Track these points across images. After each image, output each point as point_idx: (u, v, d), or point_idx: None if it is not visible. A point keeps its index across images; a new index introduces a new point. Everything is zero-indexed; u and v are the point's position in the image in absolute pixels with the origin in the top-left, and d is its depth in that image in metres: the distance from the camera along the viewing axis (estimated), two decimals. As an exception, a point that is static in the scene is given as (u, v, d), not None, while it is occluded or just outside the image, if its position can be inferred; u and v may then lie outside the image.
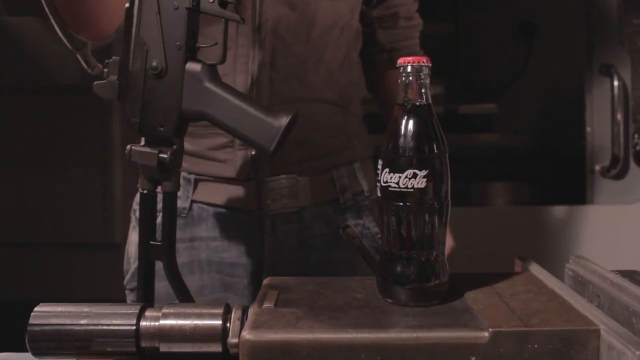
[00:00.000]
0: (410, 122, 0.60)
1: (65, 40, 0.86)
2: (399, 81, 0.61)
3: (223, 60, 0.69)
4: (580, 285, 0.65)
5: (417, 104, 0.61)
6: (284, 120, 0.64)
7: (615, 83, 1.90)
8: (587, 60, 1.95)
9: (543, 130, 2.41)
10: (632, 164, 1.92)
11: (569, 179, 2.13)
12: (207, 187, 0.90)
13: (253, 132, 0.65)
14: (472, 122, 2.34)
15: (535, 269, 0.68)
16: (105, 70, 0.70)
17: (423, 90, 0.61)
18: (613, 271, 0.63)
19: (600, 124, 1.94)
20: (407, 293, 0.59)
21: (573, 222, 1.90)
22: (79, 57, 0.88)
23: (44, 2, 0.83)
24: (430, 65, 0.61)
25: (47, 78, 1.73)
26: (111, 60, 0.70)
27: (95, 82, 0.71)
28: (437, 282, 0.59)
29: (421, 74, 0.61)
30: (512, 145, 2.29)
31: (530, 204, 2.19)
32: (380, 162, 0.61)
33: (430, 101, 0.61)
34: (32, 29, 1.75)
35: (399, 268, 0.60)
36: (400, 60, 0.61)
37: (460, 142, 2.24)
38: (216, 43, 0.69)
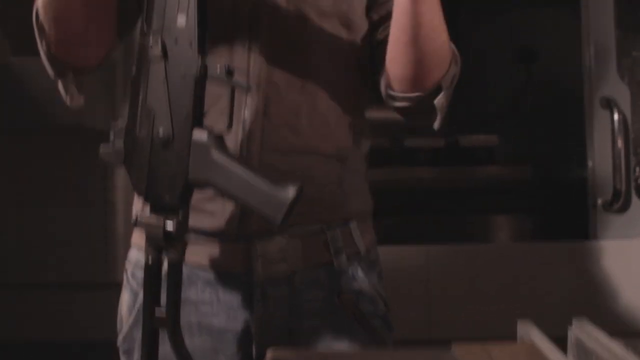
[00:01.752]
0: None
1: (47, 65, 0.84)
2: None
3: (229, 126, 0.70)
4: (584, 354, 0.65)
5: None
6: (291, 194, 0.65)
7: (616, 117, 1.90)
8: (586, 93, 1.96)
9: (544, 160, 2.42)
10: (634, 198, 1.92)
11: (571, 210, 2.14)
12: (196, 248, 0.86)
13: (260, 203, 0.66)
14: (472, 154, 2.35)
15: (538, 337, 0.67)
16: (112, 135, 0.71)
17: None
18: (617, 339, 0.63)
19: (602, 157, 1.94)
20: None
21: (577, 258, 1.90)
22: (59, 85, 0.86)
23: (35, 30, 0.83)
24: None
25: (50, 118, 1.74)
26: (117, 124, 0.71)
27: (102, 146, 0.72)
28: None
29: None
30: (512, 177, 2.29)
31: (533, 238, 2.19)
32: None
33: None
34: (38, 69, 1.77)
35: None
36: None
37: (462, 175, 2.26)
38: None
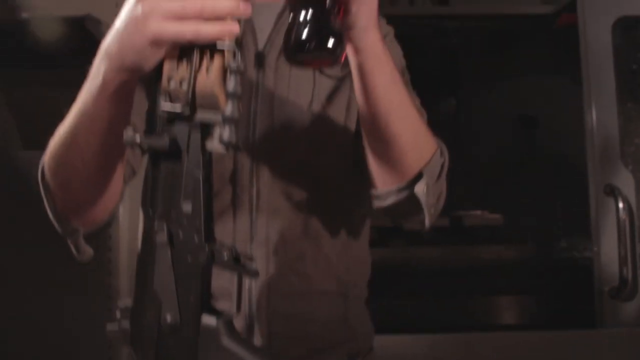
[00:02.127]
0: None
1: (55, 223, 0.86)
2: None
3: (238, 310, 0.70)
4: None
5: None
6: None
7: (620, 205, 1.91)
8: (591, 180, 1.97)
9: (549, 239, 2.42)
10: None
11: (576, 292, 2.13)
12: None
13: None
14: (477, 233, 2.35)
15: None
16: (118, 314, 0.72)
17: None
18: None
19: (607, 244, 1.94)
20: None
21: (584, 347, 1.88)
22: (69, 242, 0.88)
23: (41, 188, 0.85)
24: None
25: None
26: (124, 305, 0.72)
27: (108, 325, 0.72)
28: None
29: None
30: (517, 257, 2.29)
31: (538, 321, 2.17)
32: None
33: None
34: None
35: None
36: None
37: (465, 254, 2.25)
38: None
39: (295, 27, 0.71)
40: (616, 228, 1.91)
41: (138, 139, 0.65)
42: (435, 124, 0.92)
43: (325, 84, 0.97)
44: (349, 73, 0.83)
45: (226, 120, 0.65)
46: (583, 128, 1.99)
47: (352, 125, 0.98)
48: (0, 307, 1.83)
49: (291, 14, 0.72)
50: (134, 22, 0.66)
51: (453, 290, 2.15)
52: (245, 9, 0.66)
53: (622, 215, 1.90)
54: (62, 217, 0.85)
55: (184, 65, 0.67)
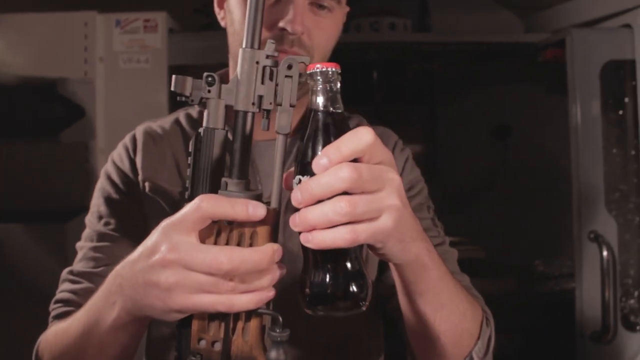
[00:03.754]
0: (320, 129, 0.62)
1: None
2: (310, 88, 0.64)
3: None
4: None
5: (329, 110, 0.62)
6: None
7: (604, 253, 1.92)
8: (575, 227, 1.98)
9: (530, 272, 2.44)
10: (621, 327, 1.96)
11: (556, 327, 2.17)
12: None
13: None
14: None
15: None
16: None
17: (330, 96, 0.62)
18: None
19: (590, 291, 1.96)
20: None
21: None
22: None
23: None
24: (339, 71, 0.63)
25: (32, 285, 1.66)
26: None
27: None
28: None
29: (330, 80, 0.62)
30: (498, 292, 2.30)
31: (518, 357, 2.20)
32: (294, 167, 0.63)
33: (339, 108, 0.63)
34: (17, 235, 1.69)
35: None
36: (310, 67, 0.63)
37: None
38: None
39: (313, 275, 0.62)
40: (599, 272, 1.94)
41: None
42: (410, 138, 0.92)
43: None
44: None
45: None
46: (569, 173, 1.99)
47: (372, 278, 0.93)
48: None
49: (305, 259, 0.64)
50: (154, 290, 0.61)
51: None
52: (279, 272, 0.62)
53: (606, 263, 1.92)
54: None
55: (216, 324, 0.61)
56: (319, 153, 0.60)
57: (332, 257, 0.62)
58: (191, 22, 2.33)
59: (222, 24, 0.98)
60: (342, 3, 0.92)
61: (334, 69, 0.62)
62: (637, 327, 1.98)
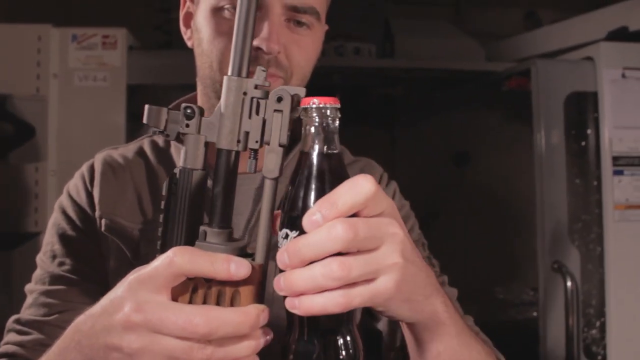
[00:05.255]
0: (313, 176, 0.54)
1: None
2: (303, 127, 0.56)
3: None
4: None
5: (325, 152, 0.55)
6: None
7: (569, 284, 1.93)
8: (540, 257, 1.98)
9: (490, 299, 2.44)
10: (583, 357, 1.96)
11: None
12: None
13: None
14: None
15: None
16: None
17: (327, 136, 0.55)
18: None
19: (553, 320, 1.96)
20: None
21: None
22: None
23: None
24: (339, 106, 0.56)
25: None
26: None
27: None
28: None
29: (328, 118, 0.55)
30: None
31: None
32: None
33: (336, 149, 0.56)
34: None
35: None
36: (304, 101, 0.55)
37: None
38: None
39: (298, 342, 0.55)
40: (563, 302, 1.94)
41: None
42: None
43: None
44: None
45: None
46: (528, 201, 1.99)
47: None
48: None
49: (290, 322, 0.57)
50: (115, 354, 0.54)
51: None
52: (263, 339, 0.55)
53: (570, 294, 1.92)
54: None
55: None
56: (312, 206, 0.52)
57: (322, 323, 0.55)
58: (151, 39, 2.25)
59: (189, 44, 0.89)
60: (321, 20, 0.85)
61: (332, 105, 0.55)
62: (599, 357, 1.99)
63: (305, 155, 0.55)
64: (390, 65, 2.33)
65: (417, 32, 2.47)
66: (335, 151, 0.55)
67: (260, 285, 0.55)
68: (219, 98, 0.80)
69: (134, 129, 1.74)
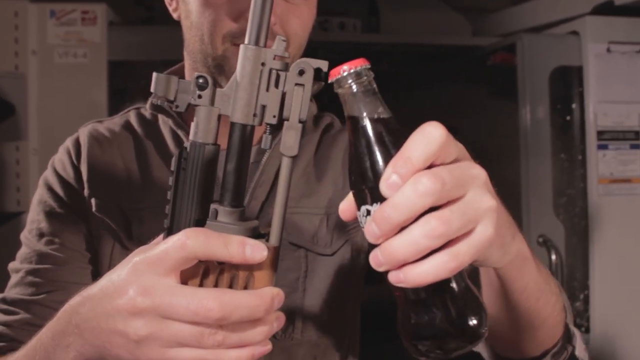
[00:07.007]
0: (373, 142, 0.49)
1: None
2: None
3: None
4: None
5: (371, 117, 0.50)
6: None
7: (553, 257, 1.95)
8: (524, 231, 1.99)
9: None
10: (567, 330, 1.99)
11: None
12: None
13: None
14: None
15: None
16: None
17: (372, 100, 0.50)
18: None
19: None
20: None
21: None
22: None
23: None
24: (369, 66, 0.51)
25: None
26: None
27: None
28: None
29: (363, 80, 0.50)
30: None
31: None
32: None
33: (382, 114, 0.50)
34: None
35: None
36: (334, 72, 0.50)
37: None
38: None
39: (418, 316, 0.50)
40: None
41: None
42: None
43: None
44: None
45: None
46: (514, 176, 2.00)
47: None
48: None
49: (401, 299, 0.51)
50: (121, 339, 0.51)
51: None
52: (277, 323, 0.53)
53: (554, 267, 1.94)
54: None
55: None
56: (383, 170, 0.47)
57: (436, 290, 0.49)
58: (132, 15, 2.20)
59: (175, 16, 0.86)
60: None
61: (364, 66, 0.50)
62: (582, 329, 2.02)
63: (354, 126, 0.50)
64: (376, 40, 2.31)
65: (402, 6, 2.44)
66: (386, 114, 0.50)
67: (274, 268, 0.53)
68: (210, 72, 0.77)
69: (116, 105, 1.71)
